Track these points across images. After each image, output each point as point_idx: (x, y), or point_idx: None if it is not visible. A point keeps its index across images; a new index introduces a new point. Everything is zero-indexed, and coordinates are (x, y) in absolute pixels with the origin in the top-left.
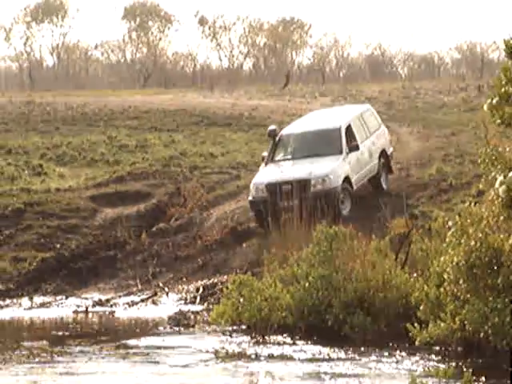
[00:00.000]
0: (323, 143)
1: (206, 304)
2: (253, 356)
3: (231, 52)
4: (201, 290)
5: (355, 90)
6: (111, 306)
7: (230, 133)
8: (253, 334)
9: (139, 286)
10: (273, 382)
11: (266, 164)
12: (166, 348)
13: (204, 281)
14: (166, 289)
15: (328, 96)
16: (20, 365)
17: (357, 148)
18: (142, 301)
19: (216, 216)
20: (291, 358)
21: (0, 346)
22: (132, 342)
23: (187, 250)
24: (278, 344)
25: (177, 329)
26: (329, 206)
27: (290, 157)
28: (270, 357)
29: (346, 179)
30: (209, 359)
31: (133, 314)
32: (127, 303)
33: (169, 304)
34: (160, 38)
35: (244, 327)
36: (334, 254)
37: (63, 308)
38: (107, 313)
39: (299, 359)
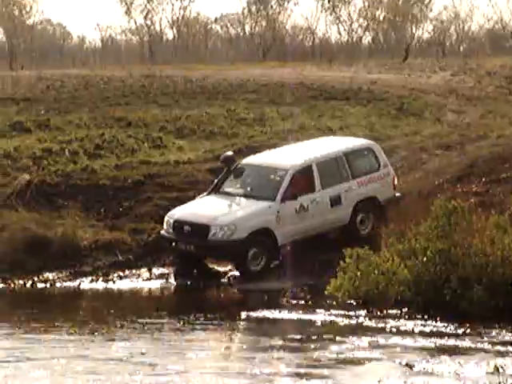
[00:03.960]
0: (266, 183)
1: (322, 277)
2: (369, 330)
3: (350, 25)
4: (317, 263)
5: (475, 64)
6: (229, 278)
7: (348, 107)
8: (370, 308)
9: None
10: (389, 355)
11: (208, 193)
12: (282, 320)
13: (321, 255)
14: (284, 262)
15: (448, 70)
16: (134, 335)
17: (294, 197)
18: (260, 273)
19: None
20: (408, 332)
21: (118, 318)
22: (249, 314)
23: None
24: (395, 318)
25: (294, 301)
26: (232, 259)
27: (234, 191)
28: (387, 331)
29: (264, 232)
30: (325, 332)
31: (250, 287)
32: (240, 275)
33: (286, 277)
34: (279, 12)
35: (361, 301)
36: (452, 228)
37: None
38: (225, 285)
39: (416, 333)
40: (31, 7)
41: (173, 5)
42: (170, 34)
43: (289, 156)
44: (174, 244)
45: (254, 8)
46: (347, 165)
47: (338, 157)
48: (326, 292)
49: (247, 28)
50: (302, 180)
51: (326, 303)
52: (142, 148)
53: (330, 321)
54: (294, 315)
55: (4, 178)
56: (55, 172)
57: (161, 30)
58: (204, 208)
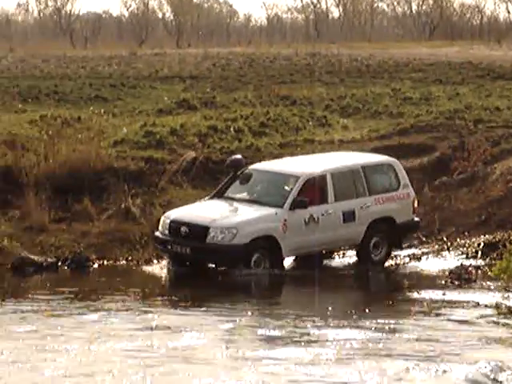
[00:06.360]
0: (274, 190)
1: (487, 259)
2: None
3: None
4: (482, 244)
5: None
6: (392, 258)
7: None
8: None
9: (422, 239)
10: None
11: (211, 198)
12: (446, 302)
13: (486, 236)
14: (448, 243)
15: None
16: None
17: (303, 205)
18: (424, 254)
19: (500, 170)
20: None
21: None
22: (414, 295)
23: (470, 205)
24: None
25: (457, 283)
26: (231, 266)
27: (239, 197)
28: None
29: (268, 239)
30: (489, 314)
31: (415, 267)
32: (409, 256)
33: (450, 258)
34: None
35: None
36: None
37: None
38: (390, 265)
39: None
40: None
41: None
42: (335, 12)
43: (302, 164)
44: (169, 246)
45: None
46: (364, 179)
47: (355, 169)
48: (491, 274)
49: (414, 6)
50: (314, 189)
51: (490, 285)
52: (307, 126)
53: (493, 303)
54: (456, 296)
55: (170, 155)
56: (220, 149)
57: (327, 8)
58: (204, 210)
